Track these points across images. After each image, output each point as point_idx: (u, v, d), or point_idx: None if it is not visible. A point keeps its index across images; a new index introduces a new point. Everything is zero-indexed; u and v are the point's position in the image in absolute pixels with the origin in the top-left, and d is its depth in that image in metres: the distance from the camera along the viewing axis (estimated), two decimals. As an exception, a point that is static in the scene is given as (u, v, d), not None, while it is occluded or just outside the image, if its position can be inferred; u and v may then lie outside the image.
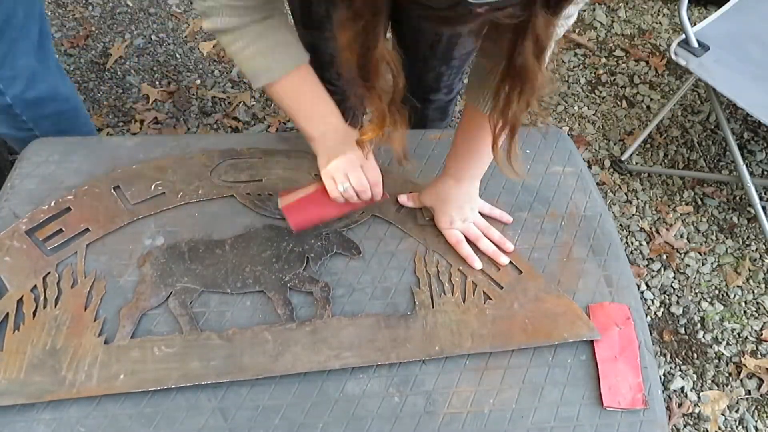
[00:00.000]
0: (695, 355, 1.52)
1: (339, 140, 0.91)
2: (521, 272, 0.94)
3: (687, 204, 1.79)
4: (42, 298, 0.85)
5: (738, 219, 1.77)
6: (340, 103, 0.97)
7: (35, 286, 0.86)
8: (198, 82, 1.96)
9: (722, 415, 1.43)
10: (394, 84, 0.70)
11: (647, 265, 1.66)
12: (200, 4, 0.81)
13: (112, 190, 0.97)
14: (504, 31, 0.64)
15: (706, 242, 1.72)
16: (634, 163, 1.87)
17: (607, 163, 1.87)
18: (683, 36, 1.56)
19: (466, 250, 0.95)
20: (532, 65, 0.66)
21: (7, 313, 0.83)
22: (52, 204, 0.94)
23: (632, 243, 1.70)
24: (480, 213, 0.99)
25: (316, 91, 0.91)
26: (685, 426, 1.41)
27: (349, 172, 0.90)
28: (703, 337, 1.55)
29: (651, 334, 0.95)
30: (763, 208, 1.63)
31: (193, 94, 1.93)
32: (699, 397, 1.45)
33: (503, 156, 0.79)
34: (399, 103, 0.73)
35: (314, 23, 1.11)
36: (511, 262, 0.95)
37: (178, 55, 2.03)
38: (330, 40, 1.10)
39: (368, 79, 0.69)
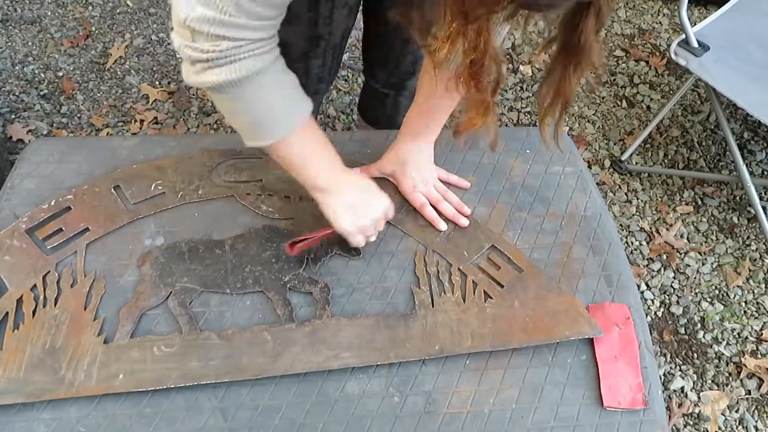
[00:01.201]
0: (695, 355, 1.52)
1: (357, 191, 0.89)
2: (522, 270, 0.94)
3: (687, 204, 1.79)
4: (42, 297, 0.85)
5: (738, 219, 1.77)
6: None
7: (35, 285, 0.86)
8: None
9: (722, 415, 1.43)
10: (498, 76, 0.71)
11: (647, 265, 1.66)
12: (203, 45, 0.66)
13: (112, 190, 0.97)
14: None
15: (706, 242, 1.72)
16: (634, 163, 1.87)
17: (607, 163, 1.87)
18: (683, 36, 1.56)
19: (431, 213, 0.98)
20: (592, 41, 0.67)
21: (7, 312, 0.83)
22: (52, 203, 0.94)
23: (632, 243, 1.70)
24: (438, 179, 1.03)
25: (324, 137, 0.86)
26: (685, 426, 1.41)
27: (375, 224, 0.90)
28: (703, 337, 1.55)
29: (651, 334, 0.95)
30: (763, 208, 1.63)
31: (193, 94, 1.93)
32: (699, 397, 1.45)
33: (551, 132, 0.80)
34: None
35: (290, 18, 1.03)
36: (512, 261, 0.95)
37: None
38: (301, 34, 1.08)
39: (479, 77, 0.69)
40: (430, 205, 1.00)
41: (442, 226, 0.98)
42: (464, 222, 0.99)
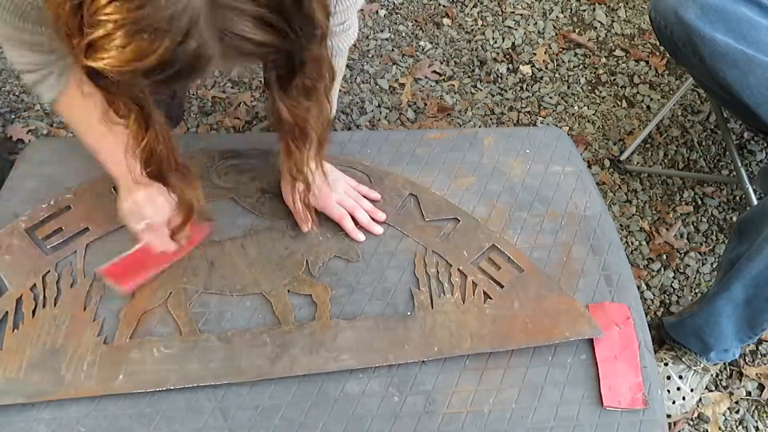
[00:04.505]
0: (695, 355, 1.52)
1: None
2: (522, 270, 0.94)
3: (687, 204, 1.79)
4: (41, 297, 0.85)
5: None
6: None
7: (34, 284, 0.86)
8: (198, 82, 1.96)
9: (722, 415, 1.43)
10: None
11: (647, 265, 1.66)
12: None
13: (112, 190, 0.96)
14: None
15: (706, 242, 1.72)
16: (634, 163, 1.87)
17: (607, 163, 1.86)
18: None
19: (350, 225, 0.96)
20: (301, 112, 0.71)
21: (7, 312, 0.83)
22: (52, 202, 0.94)
23: (632, 243, 1.70)
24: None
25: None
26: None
27: (144, 207, 0.88)
28: (703, 337, 1.55)
29: (651, 333, 0.96)
30: (763, 208, 1.63)
31: (193, 94, 1.93)
32: (700, 399, 1.45)
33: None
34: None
35: None
36: (512, 260, 0.95)
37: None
38: None
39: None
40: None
41: (361, 237, 0.96)
42: (378, 230, 0.97)
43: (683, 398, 1.34)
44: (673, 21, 1.18)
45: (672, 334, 1.35)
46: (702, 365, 1.32)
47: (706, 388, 1.44)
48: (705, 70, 1.20)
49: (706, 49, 1.14)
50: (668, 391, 1.33)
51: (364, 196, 1.00)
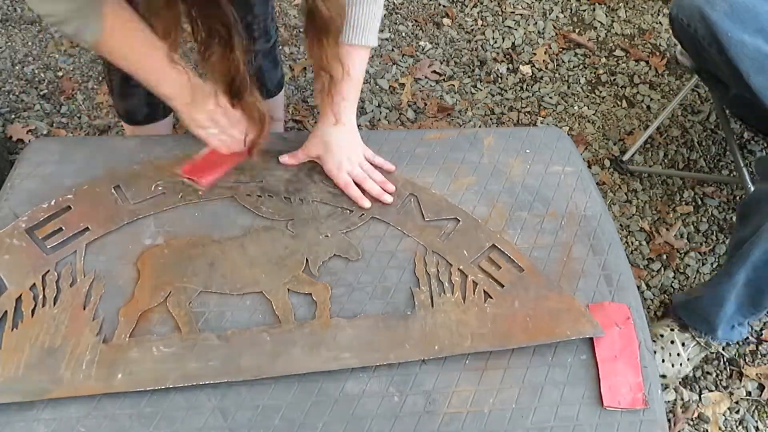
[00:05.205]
0: (695, 355, 1.52)
1: (194, 94, 0.95)
2: (523, 270, 0.94)
3: (687, 204, 1.79)
4: (41, 296, 0.85)
5: (738, 219, 1.77)
6: None
7: (34, 284, 0.86)
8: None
9: (722, 415, 1.43)
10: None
11: (647, 265, 1.66)
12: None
13: (113, 190, 0.96)
14: None
15: (706, 242, 1.72)
16: (635, 163, 1.87)
17: (607, 163, 1.87)
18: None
19: (355, 192, 1.00)
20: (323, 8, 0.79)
21: (6, 311, 0.83)
22: (52, 202, 0.94)
23: (632, 243, 1.70)
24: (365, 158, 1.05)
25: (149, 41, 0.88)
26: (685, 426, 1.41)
27: (210, 118, 0.98)
28: (704, 337, 1.55)
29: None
30: (764, 208, 1.63)
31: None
32: (700, 399, 1.45)
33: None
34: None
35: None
36: (512, 260, 0.95)
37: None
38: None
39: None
40: (356, 184, 1.00)
41: (366, 203, 0.99)
42: (388, 199, 1.00)
43: (681, 364, 1.36)
44: (698, 19, 1.16)
45: (681, 315, 1.37)
46: (705, 340, 1.35)
47: (706, 388, 1.44)
48: (729, 71, 1.17)
49: (733, 50, 1.12)
50: (669, 354, 1.35)
51: (379, 167, 1.04)
